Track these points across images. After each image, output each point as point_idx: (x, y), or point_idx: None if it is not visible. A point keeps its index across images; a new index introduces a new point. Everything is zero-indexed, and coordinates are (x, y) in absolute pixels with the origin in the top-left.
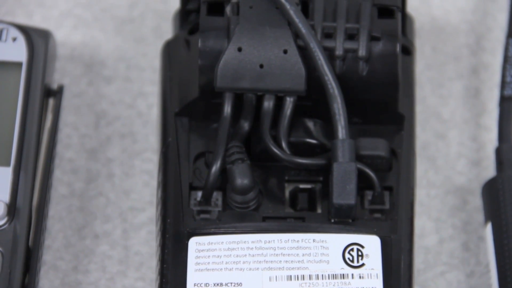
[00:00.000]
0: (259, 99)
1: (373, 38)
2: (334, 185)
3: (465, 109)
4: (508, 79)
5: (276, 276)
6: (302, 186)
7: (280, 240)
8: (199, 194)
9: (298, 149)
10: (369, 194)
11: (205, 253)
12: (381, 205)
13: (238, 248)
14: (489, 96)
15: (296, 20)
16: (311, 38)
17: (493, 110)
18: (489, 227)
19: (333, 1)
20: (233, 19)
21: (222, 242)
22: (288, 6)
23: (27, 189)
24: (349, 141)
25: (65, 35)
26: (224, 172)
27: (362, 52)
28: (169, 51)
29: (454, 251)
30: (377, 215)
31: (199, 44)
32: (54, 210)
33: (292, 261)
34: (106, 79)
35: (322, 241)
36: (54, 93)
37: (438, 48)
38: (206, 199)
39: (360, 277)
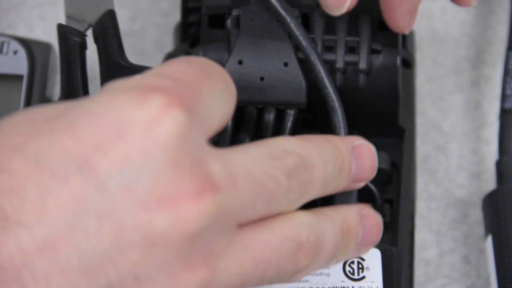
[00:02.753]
0: (260, 112)
1: (373, 51)
2: (334, 197)
3: (466, 122)
4: (508, 92)
5: None
6: None
7: None
8: None
9: None
10: None
11: None
12: (381, 217)
13: None
14: (490, 109)
15: (297, 33)
16: (311, 51)
17: (493, 123)
18: (489, 240)
19: None
20: (233, 32)
21: None
22: (288, 19)
23: None
24: None
25: None
26: None
27: (362, 65)
28: None
29: (455, 264)
30: None
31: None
32: None
33: None
34: None
35: None
36: None
37: (439, 61)
38: None
39: None
